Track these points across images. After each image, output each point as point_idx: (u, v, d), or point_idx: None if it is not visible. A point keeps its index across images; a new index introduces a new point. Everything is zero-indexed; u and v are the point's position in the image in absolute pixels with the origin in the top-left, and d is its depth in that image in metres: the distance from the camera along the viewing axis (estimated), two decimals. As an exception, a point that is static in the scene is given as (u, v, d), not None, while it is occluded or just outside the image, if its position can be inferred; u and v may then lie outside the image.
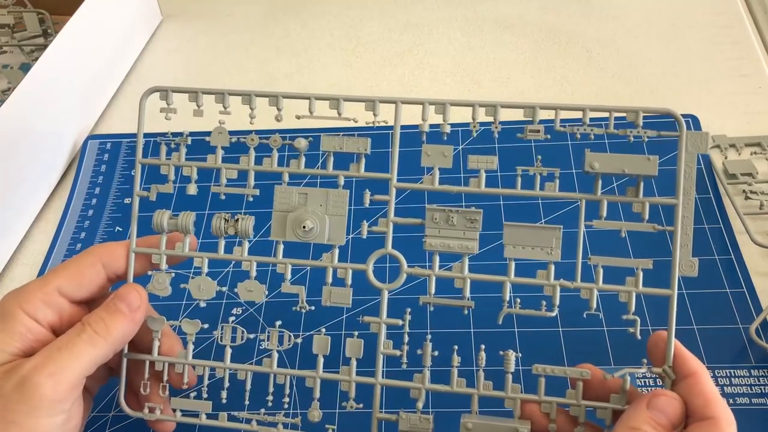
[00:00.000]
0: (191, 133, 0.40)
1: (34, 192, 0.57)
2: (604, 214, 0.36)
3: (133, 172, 0.58)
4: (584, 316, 0.36)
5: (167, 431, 0.40)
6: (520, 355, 0.37)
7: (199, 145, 0.40)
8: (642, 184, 0.36)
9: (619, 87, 0.62)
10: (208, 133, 0.39)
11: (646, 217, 0.35)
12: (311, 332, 0.46)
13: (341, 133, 0.38)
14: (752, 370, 0.43)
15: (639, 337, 0.36)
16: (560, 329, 0.45)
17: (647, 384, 0.43)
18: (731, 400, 0.42)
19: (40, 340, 0.35)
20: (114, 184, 0.58)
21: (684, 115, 0.56)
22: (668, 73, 0.63)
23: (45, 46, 0.58)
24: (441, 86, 0.64)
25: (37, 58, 0.58)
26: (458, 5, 0.73)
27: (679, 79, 0.62)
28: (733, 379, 0.43)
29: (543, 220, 0.51)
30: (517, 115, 0.37)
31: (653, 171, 0.35)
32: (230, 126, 0.39)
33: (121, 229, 0.55)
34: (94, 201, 0.57)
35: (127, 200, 0.57)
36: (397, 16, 0.73)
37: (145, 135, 0.39)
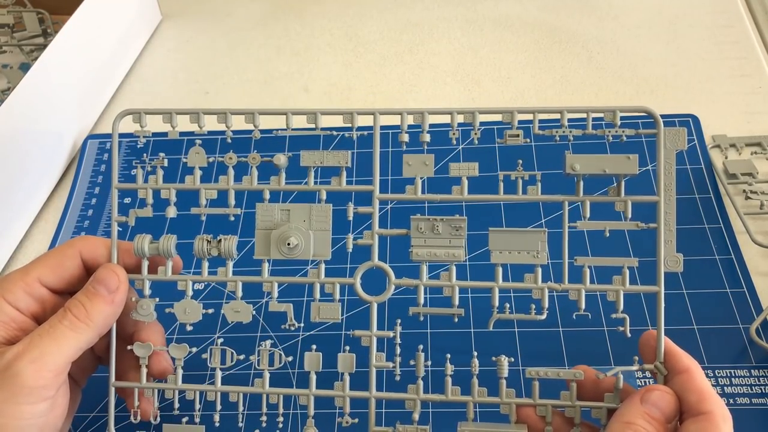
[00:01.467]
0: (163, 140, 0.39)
1: (33, 192, 0.57)
2: (588, 214, 0.36)
3: (133, 172, 0.59)
4: (573, 317, 0.37)
5: None
6: (512, 360, 0.37)
7: (178, 145, 0.40)
8: (623, 183, 0.36)
9: (619, 86, 0.62)
10: (189, 133, 0.39)
11: (629, 215, 0.36)
12: (310, 332, 0.46)
13: (331, 147, 0.37)
14: (752, 370, 0.43)
15: (629, 335, 0.36)
16: (560, 329, 0.45)
17: (646, 383, 0.43)
18: (731, 400, 0.42)
19: (23, 329, 0.35)
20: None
21: (684, 115, 0.57)
22: (668, 73, 0.63)
23: (45, 46, 0.58)
24: (441, 86, 0.64)
25: (36, 58, 0.58)
26: (458, 5, 0.73)
27: (679, 79, 0.62)
28: (733, 379, 0.43)
29: (543, 220, 0.51)
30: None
31: (633, 170, 0.35)
32: (209, 127, 0.39)
33: (120, 229, 0.55)
34: (93, 201, 0.57)
35: (126, 200, 0.57)
36: (397, 16, 0.73)
37: (124, 135, 0.39)
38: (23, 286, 0.36)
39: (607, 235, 0.36)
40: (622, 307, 0.36)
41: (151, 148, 0.60)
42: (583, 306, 0.36)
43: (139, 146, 0.60)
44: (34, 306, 0.36)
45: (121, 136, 0.62)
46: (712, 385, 0.42)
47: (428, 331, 0.46)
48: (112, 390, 0.38)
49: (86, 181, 0.59)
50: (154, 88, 0.68)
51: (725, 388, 0.42)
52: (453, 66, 0.66)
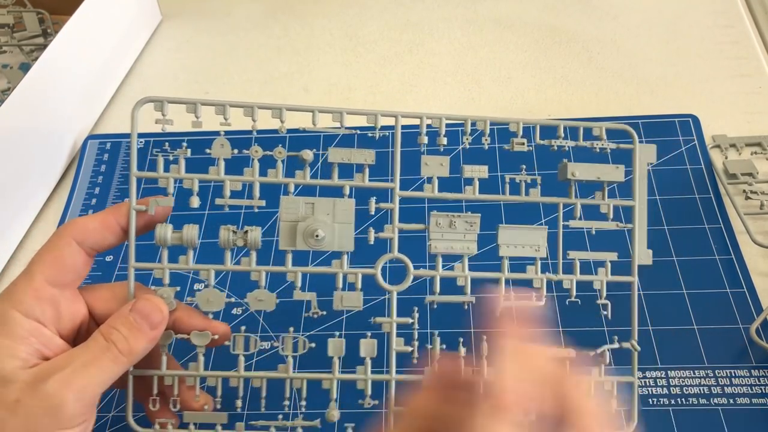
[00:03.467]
0: (188, 133, 0.39)
1: (34, 192, 0.57)
2: (579, 215, 0.41)
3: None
4: (566, 303, 0.40)
5: None
6: None
7: (198, 144, 0.40)
8: (606, 188, 0.41)
9: (619, 86, 0.62)
10: (206, 133, 0.39)
11: (611, 216, 0.41)
12: (312, 331, 0.46)
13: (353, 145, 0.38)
14: (752, 370, 0.43)
15: (610, 317, 0.40)
16: (559, 328, 0.45)
17: (647, 384, 0.43)
18: (731, 400, 0.42)
19: (44, 342, 0.34)
20: (114, 184, 0.58)
21: (684, 115, 0.57)
22: (668, 72, 0.63)
23: (45, 46, 0.58)
24: (441, 86, 0.64)
25: (36, 58, 0.58)
26: (458, 5, 0.73)
27: (679, 78, 0.62)
28: (733, 379, 0.43)
29: (543, 221, 0.51)
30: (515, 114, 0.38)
31: (621, 177, 0.40)
32: (232, 125, 0.39)
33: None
34: (93, 201, 0.57)
35: (126, 200, 0.57)
36: (397, 16, 0.73)
37: (143, 135, 0.39)
38: (32, 293, 0.34)
39: (593, 233, 0.40)
40: (605, 293, 0.40)
41: (150, 151, 0.60)
42: (575, 293, 0.40)
43: (139, 146, 0.60)
44: (49, 311, 0.35)
45: (122, 136, 0.62)
46: (712, 385, 0.42)
47: (428, 318, 0.46)
48: (131, 378, 0.38)
49: (86, 181, 0.59)
50: (155, 88, 0.68)
51: (725, 388, 0.42)
52: (453, 66, 0.66)
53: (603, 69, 0.64)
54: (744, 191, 0.52)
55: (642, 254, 0.41)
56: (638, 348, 0.40)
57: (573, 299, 0.40)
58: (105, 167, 0.60)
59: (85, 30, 0.62)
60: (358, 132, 0.41)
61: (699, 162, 0.54)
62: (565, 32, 0.68)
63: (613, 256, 0.41)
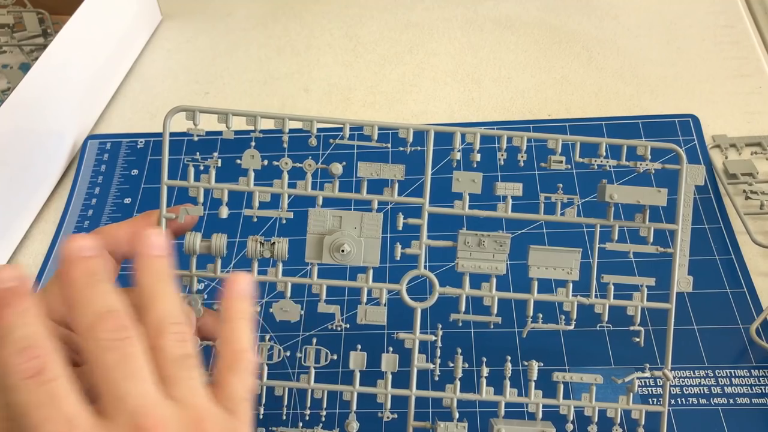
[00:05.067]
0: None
1: (34, 192, 0.57)
2: (616, 237, 0.39)
3: (134, 172, 0.59)
4: (597, 328, 0.40)
5: None
6: (541, 364, 0.39)
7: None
8: (648, 211, 0.39)
9: (619, 87, 0.62)
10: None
11: (651, 240, 0.39)
12: (312, 331, 0.46)
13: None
14: (752, 370, 0.43)
15: (643, 344, 0.39)
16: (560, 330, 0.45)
17: (647, 384, 0.43)
18: (731, 400, 0.42)
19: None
20: (114, 184, 0.58)
21: (684, 115, 0.57)
22: (668, 72, 0.63)
23: (45, 46, 0.58)
24: (441, 86, 0.64)
25: (36, 58, 0.58)
26: (458, 5, 0.73)
27: (679, 78, 0.62)
28: (733, 379, 0.43)
29: (545, 232, 0.51)
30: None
31: (663, 202, 0.38)
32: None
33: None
34: (93, 201, 0.57)
35: (126, 200, 0.57)
36: (397, 16, 0.73)
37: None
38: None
39: (631, 257, 0.39)
40: (639, 320, 0.39)
41: (152, 148, 0.60)
42: (606, 319, 0.39)
43: (139, 146, 0.61)
44: None
45: (122, 136, 0.62)
46: (712, 385, 0.43)
47: (440, 331, 0.46)
48: None
49: (86, 181, 0.59)
50: (155, 88, 0.68)
51: (725, 388, 0.42)
52: (453, 66, 0.66)
53: (603, 69, 0.64)
54: (744, 191, 0.52)
55: (682, 281, 0.39)
56: (671, 378, 0.39)
57: (604, 324, 0.39)
58: (105, 167, 0.60)
59: (85, 30, 0.62)
60: (389, 148, 0.41)
61: (699, 162, 0.54)
62: (565, 32, 0.68)
63: (650, 281, 0.39)
